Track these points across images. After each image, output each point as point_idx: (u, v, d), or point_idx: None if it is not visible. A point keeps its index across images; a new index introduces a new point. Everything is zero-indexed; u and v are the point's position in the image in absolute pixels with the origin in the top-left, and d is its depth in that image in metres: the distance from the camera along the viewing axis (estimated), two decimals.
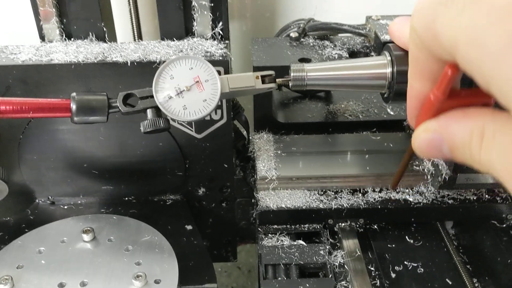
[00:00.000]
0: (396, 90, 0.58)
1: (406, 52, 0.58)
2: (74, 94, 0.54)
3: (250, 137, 0.75)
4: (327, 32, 0.77)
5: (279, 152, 0.69)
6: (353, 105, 0.79)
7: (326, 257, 0.58)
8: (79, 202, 0.75)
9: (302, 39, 0.77)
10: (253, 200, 0.77)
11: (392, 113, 0.77)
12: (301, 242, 0.60)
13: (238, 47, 0.96)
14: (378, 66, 0.59)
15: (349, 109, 0.78)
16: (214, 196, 0.77)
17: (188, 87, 0.55)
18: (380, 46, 0.70)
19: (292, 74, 0.58)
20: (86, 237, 0.64)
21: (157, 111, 0.55)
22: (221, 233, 0.81)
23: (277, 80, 0.59)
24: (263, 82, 0.58)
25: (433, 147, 0.34)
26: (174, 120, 0.69)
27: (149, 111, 0.55)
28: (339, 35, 0.79)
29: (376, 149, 0.69)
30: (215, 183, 0.75)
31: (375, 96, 0.82)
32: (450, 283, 0.57)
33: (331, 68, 0.60)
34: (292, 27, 0.79)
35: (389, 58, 0.59)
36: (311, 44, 0.76)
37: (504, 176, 0.28)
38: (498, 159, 0.29)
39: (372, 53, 0.73)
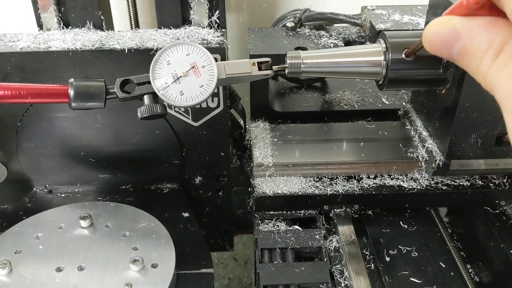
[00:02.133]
0: (390, 77, 0.59)
1: (400, 40, 0.59)
2: (72, 80, 0.55)
3: (247, 126, 0.75)
4: (323, 22, 0.78)
5: (275, 140, 0.70)
6: (348, 95, 0.79)
7: (322, 241, 0.58)
8: (77, 190, 0.75)
9: (298, 29, 0.78)
10: (249, 189, 0.78)
11: (387, 102, 0.78)
12: (296, 227, 0.61)
13: (236, 38, 0.97)
14: (373, 53, 0.60)
15: (344, 98, 0.78)
16: (211, 185, 0.77)
17: (185, 72, 0.55)
18: (375, 36, 0.71)
19: (288, 61, 0.59)
20: (84, 223, 0.64)
21: (154, 97, 0.56)
22: (218, 222, 0.82)
23: (273, 67, 0.59)
24: (260, 69, 0.58)
25: (445, 42, 0.33)
26: (171, 107, 0.69)
27: (146, 97, 0.56)
28: (335, 25, 0.79)
29: (370, 137, 0.70)
30: (212, 172, 0.76)
31: (370, 86, 0.82)
32: (444, 266, 0.58)
33: (326, 55, 0.60)
34: (288, 17, 0.80)
35: (384, 45, 0.59)
36: (307, 34, 0.77)
37: (504, 101, 0.27)
38: (505, 81, 0.27)
39: (367, 43, 0.74)
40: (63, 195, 0.75)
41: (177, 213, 0.71)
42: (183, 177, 0.76)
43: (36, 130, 0.70)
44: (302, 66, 0.59)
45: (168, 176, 0.76)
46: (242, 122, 0.77)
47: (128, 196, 0.74)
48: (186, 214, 0.71)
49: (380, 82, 0.61)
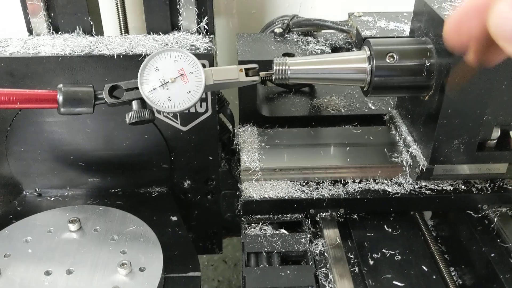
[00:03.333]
0: (374, 84, 0.60)
1: (384, 48, 0.60)
2: (60, 85, 0.55)
3: (235, 130, 0.76)
4: (310, 28, 0.79)
5: (263, 144, 0.71)
6: (335, 100, 0.81)
7: (307, 245, 0.59)
8: (66, 194, 0.76)
9: (286, 35, 0.79)
10: (237, 193, 0.79)
11: (373, 108, 0.79)
12: (283, 231, 0.62)
13: (225, 43, 0.98)
14: (358, 60, 0.61)
15: (332, 103, 0.79)
16: (200, 189, 0.78)
17: (173, 79, 0.56)
18: (361, 42, 0.72)
19: (275, 68, 0.60)
20: (72, 227, 0.65)
21: (142, 102, 0.56)
22: (207, 225, 0.82)
23: (260, 73, 0.60)
24: (247, 75, 0.59)
25: None
26: (159, 112, 0.70)
27: (134, 103, 0.56)
28: (323, 31, 0.80)
29: (357, 142, 0.71)
30: (201, 176, 0.77)
31: (357, 91, 0.84)
32: (426, 269, 0.59)
33: (312, 62, 0.61)
34: (276, 23, 0.81)
35: (368, 53, 0.61)
36: (295, 39, 0.78)
37: None
38: None
39: (354, 49, 0.75)
40: (52, 199, 0.75)
41: (166, 217, 0.72)
42: (172, 181, 0.77)
43: (25, 134, 0.71)
44: (289, 72, 0.60)
45: (157, 180, 0.77)
46: (230, 127, 0.78)
47: (117, 199, 0.74)
48: (174, 218, 0.71)
49: (365, 89, 0.62)
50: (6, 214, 0.72)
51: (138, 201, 0.75)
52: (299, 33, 0.79)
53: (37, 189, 0.76)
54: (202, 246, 0.84)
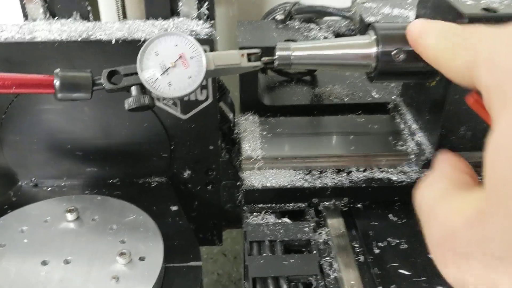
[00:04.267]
0: (380, 69, 0.59)
1: (391, 31, 0.58)
2: (57, 70, 0.54)
3: (236, 119, 0.75)
4: (312, 15, 0.77)
5: (264, 133, 0.69)
6: (338, 89, 0.79)
7: (311, 234, 0.58)
8: (63, 184, 0.74)
9: (288, 22, 0.77)
10: (238, 183, 0.77)
11: (377, 96, 0.78)
12: (286, 220, 0.61)
13: (225, 32, 0.96)
14: (364, 45, 0.59)
15: (334, 92, 0.78)
16: (200, 179, 0.77)
17: (173, 63, 0.54)
18: (365, 29, 0.71)
19: (277, 53, 0.58)
20: (70, 217, 0.63)
21: (142, 88, 0.55)
22: (207, 216, 0.81)
23: (262, 58, 0.59)
24: (249, 60, 0.58)
25: None
26: (159, 99, 0.68)
27: (133, 88, 0.55)
28: (325, 18, 0.79)
29: (360, 131, 0.70)
30: (201, 166, 0.75)
31: (360, 79, 0.82)
32: None
33: (317, 47, 0.60)
34: (278, 10, 0.79)
35: (374, 37, 0.59)
36: (297, 26, 0.76)
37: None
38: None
39: (358, 36, 0.74)
40: (49, 189, 0.73)
41: (165, 207, 0.70)
42: (171, 171, 0.75)
43: (21, 123, 0.69)
44: (292, 57, 0.59)
45: (156, 170, 0.75)
46: (231, 116, 0.76)
47: (115, 190, 0.73)
48: (174, 208, 0.70)
49: (370, 75, 0.61)
50: (1, 204, 0.70)
51: (137, 191, 0.73)
52: (301, 20, 0.78)
53: (33, 179, 0.74)
54: (202, 237, 0.83)
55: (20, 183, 0.74)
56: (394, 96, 0.75)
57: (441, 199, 0.32)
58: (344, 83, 0.81)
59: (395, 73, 0.59)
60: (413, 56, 0.59)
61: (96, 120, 0.70)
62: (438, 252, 0.30)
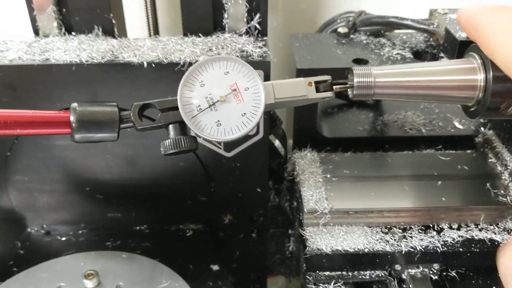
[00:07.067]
0: (490, 102, 0.45)
1: None
2: (75, 104, 0.42)
3: (289, 156, 0.61)
4: (382, 27, 0.63)
5: (328, 175, 0.56)
6: (411, 116, 0.65)
7: None
8: (80, 232, 0.62)
9: (351, 36, 0.64)
10: (289, 231, 0.64)
11: (460, 126, 0.64)
12: None
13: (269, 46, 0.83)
14: (466, 71, 0.46)
15: (408, 120, 0.64)
16: (243, 225, 0.64)
17: (223, 97, 0.42)
18: (454, 46, 0.57)
19: (356, 80, 0.45)
20: (89, 284, 0.51)
21: (182, 127, 0.43)
22: (249, 269, 0.68)
23: (334, 87, 0.46)
24: (317, 90, 0.46)
25: None
26: (199, 136, 0.55)
27: (171, 128, 0.44)
28: (395, 31, 0.65)
29: (448, 174, 0.56)
30: (245, 211, 0.62)
31: (435, 104, 0.68)
32: None
33: (405, 73, 0.46)
34: (339, 21, 0.66)
35: (479, 61, 0.45)
36: (364, 41, 0.62)
37: None
38: None
39: (442, 54, 0.60)
40: (63, 239, 0.61)
41: (205, 265, 0.57)
42: (209, 216, 0.62)
43: (30, 161, 0.57)
44: (374, 86, 0.45)
45: (192, 216, 0.62)
46: (282, 151, 0.63)
47: (143, 240, 0.60)
48: (215, 267, 0.57)
49: (472, 109, 0.47)
50: (6, 258, 0.58)
51: (169, 242, 0.61)
52: (368, 33, 0.64)
53: (44, 225, 0.62)
54: None
55: (29, 230, 0.62)
56: (483, 129, 0.61)
57: None
58: (417, 108, 0.67)
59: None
60: None
61: (120, 158, 0.57)
62: None
